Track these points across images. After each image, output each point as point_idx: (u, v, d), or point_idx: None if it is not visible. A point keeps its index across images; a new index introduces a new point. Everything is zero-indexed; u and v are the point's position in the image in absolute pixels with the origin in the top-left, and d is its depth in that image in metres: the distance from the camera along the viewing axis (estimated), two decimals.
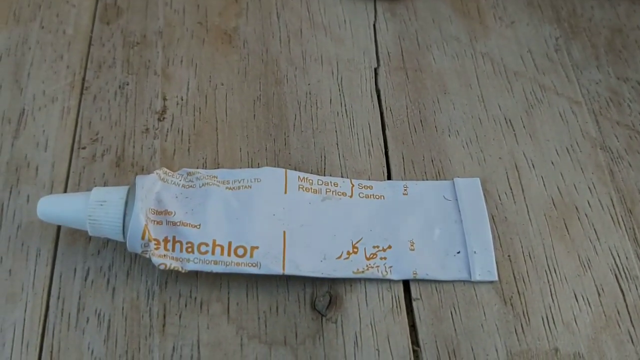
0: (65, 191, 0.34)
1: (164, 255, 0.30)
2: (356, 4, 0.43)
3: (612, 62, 0.41)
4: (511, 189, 0.35)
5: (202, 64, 0.40)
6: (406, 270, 0.32)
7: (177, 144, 0.36)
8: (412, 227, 0.33)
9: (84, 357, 0.29)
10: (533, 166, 0.36)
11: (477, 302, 0.31)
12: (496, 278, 0.32)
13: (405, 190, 0.34)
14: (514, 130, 0.38)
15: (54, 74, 0.39)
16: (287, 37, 0.41)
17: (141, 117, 0.37)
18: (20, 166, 0.35)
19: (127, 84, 0.38)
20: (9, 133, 0.36)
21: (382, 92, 0.39)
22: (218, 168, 0.35)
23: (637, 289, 0.32)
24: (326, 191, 0.34)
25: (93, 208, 0.30)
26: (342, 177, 0.35)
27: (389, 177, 0.36)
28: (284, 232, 0.31)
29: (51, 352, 0.29)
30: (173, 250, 0.30)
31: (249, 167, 0.35)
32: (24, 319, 0.30)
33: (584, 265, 0.33)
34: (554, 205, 0.35)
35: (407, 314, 0.31)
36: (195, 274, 0.32)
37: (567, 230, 0.34)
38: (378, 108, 0.38)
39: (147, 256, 0.30)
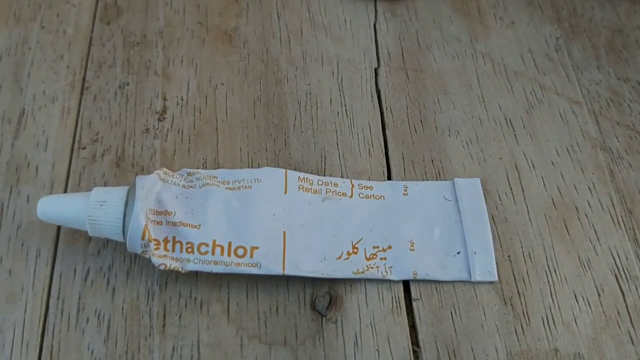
0: (65, 191, 0.34)
1: (164, 256, 0.30)
2: (356, 4, 0.43)
3: (613, 62, 0.41)
4: (511, 189, 0.35)
5: (203, 64, 0.40)
6: (406, 271, 0.32)
7: (177, 144, 0.36)
8: (412, 228, 0.33)
9: (83, 357, 0.29)
10: (533, 166, 0.36)
11: (477, 302, 0.31)
12: (496, 278, 0.32)
13: (405, 190, 0.34)
14: (514, 131, 0.37)
15: (54, 74, 0.39)
16: (287, 37, 0.41)
17: (141, 117, 0.37)
18: (20, 166, 0.35)
19: (128, 84, 0.38)
20: (9, 133, 0.36)
21: (382, 92, 0.39)
22: (218, 168, 0.35)
23: (637, 290, 0.32)
24: (326, 191, 0.34)
25: (93, 208, 0.30)
26: (342, 177, 0.35)
27: (389, 178, 0.36)
28: (284, 232, 0.31)
29: (51, 352, 0.29)
30: (173, 250, 0.30)
31: (249, 167, 0.35)
32: (24, 319, 0.30)
33: (584, 266, 0.33)
34: (554, 205, 0.35)
35: (407, 314, 0.31)
36: (195, 274, 0.32)
37: (567, 231, 0.34)
38: (378, 108, 0.38)
39: (147, 256, 0.30)
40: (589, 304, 0.32)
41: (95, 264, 0.32)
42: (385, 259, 0.32)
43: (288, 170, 0.34)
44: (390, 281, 0.32)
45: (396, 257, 0.32)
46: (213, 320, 0.31)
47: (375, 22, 0.42)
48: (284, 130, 0.37)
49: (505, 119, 0.38)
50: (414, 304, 0.31)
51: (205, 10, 0.42)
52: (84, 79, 0.39)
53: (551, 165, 0.36)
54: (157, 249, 0.30)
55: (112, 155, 0.35)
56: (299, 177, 0.34)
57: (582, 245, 0.33)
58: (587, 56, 0.41)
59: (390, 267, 0.32)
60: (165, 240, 0.30)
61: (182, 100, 0.38)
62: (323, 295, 0.31)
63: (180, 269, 0.30)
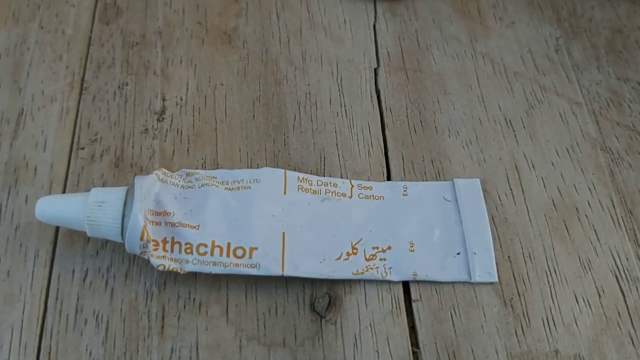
0: (64, 192, 0.34)
1: (163, 257, 0.30)
2: (356, 4, 0.43)
3: (613, 62, 0.41)
4: (511, 189, 0.35)
5: (202, 64, 0.39)
6: (406, 272, 0.32)
7: (176, 145, 0.36)
8: (412, 228, 0.33)
9: (82, 358, 0.29)
10: (533, 167, 0.36)
11: (477, 303, 0.31)
12: (496, 279, 0.32)
13: (405, 191, 0.34)
14: (514, 131, 0.37)
15: (53, 74, 0.38)
16: (286, 38, 0.41)
17: (140, 117, 0.37)
18: (19, 166, 0.35)
19: (127, 84, 0.38)
20: (8, 133, 0.36)
21: (382, 93, 0.39)
22: (217, 169, 0.35)
23: (637, 291, 0.32)
24: (325, 192, 0.34)
25: (91, 209, 0.30)
26: (341, 177, 0.35)
27: (389, 178, 0.35)
28: (283, 233, 0.31)
29: (49, 353, 0.29)
30: (172, 251, 0.30)
31: (248, 167, 0.35)
32: (22, 320, 0.30)
33: (585, 267, 0.33)
34: (554, 206, 0.35)
35: (407, 315, 0.31)
36: (194, 275, 0.31)
37: (568, 231, 0.34)
38: (378, 108, 0.38)
39: (146, 257, 0.30)
40: (589, 305, 0.31)
41: (94, 264, 0.32)
42: (384, 259, 0.32)
43: (287, 171, 0.34)
44: (389, 282, 0.32)
45: (396, 257, 0.32)
46: (212, 321, 0.30)
47: (374, 22, 0.42)
48: (283, 130, 0.37)
49: (505, 119, 0.38)
50: (414, 305, 0.31)
51: (205, 11, 0.42)
52: (82, 79, 0.38)
53: (551, 165, 0.36)
54: (155, 249, 0.30)
55: (111, 155, 0.35)
56: (298, 177, 0.34)
57: (582, 246, 0.33)
58: (587, 56, 0.41)
59: (390, 267, 0.32)
60: (164, 241, 0.30)
61: (181, 100, 0.38)
62: (322, 296, 0.31)
63: (179, 270, 0.30)
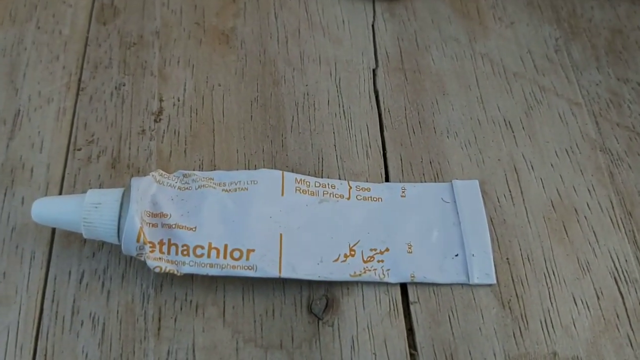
0: (60, 193, 0.34)
1: (159, 258, 0.30)
2: (355, 4, 0.43)
3: (612, 63, 0.41)
4: (510, 191, 0.35)
5: (199, 65, 0.39)
6: (404, 273, 0.32)
7: (173, 146, 0.36)
8: (410, 230, 0.33)
9: None
10: (532, 168, 0.36)
11: (475, 305, 0.31)
12: (494, 281, 0.32)
13: (403, 192, 0.34)
14: (513, 132, 0.37)
15: (50, 75, 0.38)
16: (284, 38, 0.41)
17: (137, 118, 0.37)
18: (15, 167, 0.35)
19: (124, 85, 0.38)
20: (4, 134, 0.36)
21: (380, 93, 0.39)
22: (214, 170, 0.35)
23: (636, 293, 0.32)
24: (323, 193, 0.33)
25: (88, 210, 0.30)
26: (339, 179, 0.35)
27: (387, 179, 0.35)
28: (281, 234, 0.31)
29: (45, 355, 0.29)
30: (168, 253, 0.30)
31: (245, 168, 0.35)
32: (18, 322, 0.30)
33: (583, 268, 0.32)
34: (553, 207, 0.34)
35: (405, 317, 0.31)
36: (191, 277, 0.31)
37: (566, 233, 0.34)
38: (376, 109, 0.38)
39: (142, 259, 0.30)
40: (587, 307, 0.31)
41: (90, 266, 0.32)
42: (382, 261, 0.32)
43: (285, 172, 0.33)
44: (387, 284, 0.32)
45: (394, 259, 0.32)
46: (208, 323, 0.30)
47: (373, 22, 0.42)
48: (281, 131, 0.37)
49: (504, 120, 0.38)
50: (412, 307, 0.31)
51: (202, 11, 0.42)
52: (79, 79, 0.38)
53: (550, 166, 0.36)
54: (152, 251, 0.30)
55: (108, 156, 0.35)
56: (296, 178, 0.33)
57: (581, 248, 0.33)
58: (586, 57, 0.41)
59: (388, 269, 0.32)
60: (161, 243, 0.30)
61: (179, 101, 0.38)
62: (320, 298, 0.31)
63: (175, 272, 0.30)
